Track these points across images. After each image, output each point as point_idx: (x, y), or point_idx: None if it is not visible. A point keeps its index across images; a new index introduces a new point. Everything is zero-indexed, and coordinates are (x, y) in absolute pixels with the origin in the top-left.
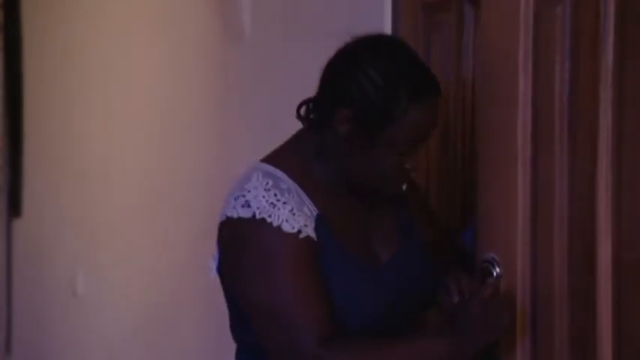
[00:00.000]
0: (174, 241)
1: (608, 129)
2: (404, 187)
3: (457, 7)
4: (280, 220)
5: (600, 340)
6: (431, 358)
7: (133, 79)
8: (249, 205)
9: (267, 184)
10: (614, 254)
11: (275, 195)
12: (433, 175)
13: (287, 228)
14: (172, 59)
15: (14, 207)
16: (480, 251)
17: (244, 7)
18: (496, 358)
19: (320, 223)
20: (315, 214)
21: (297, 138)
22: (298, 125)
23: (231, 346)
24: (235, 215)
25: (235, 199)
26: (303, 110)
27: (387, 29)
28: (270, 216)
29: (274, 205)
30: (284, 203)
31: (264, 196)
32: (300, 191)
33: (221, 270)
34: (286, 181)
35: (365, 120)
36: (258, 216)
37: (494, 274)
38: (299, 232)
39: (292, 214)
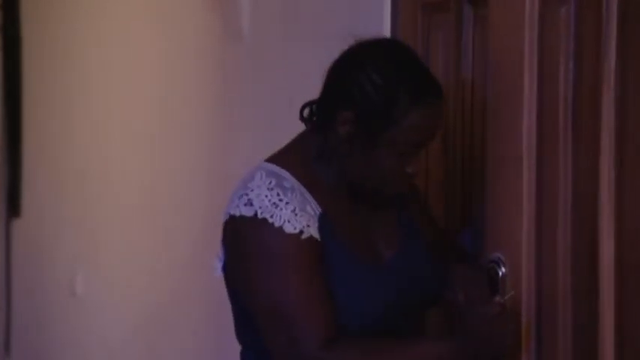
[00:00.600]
0: (175, 241)
1: (610, 129)
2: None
3: (456, 7)
4: (282, 220)
5: (603, 339)
6: None
7: (132, 79)
8: (251, 204)
9: (270, 183)
10: (617, 254)
11: (278, 195)
12: (432, 175)
13: (289, 229)
14: (172, 59)
15: (13, 207)
16: (486, 251)
17: (243, 7)
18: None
19: (323, 222)
20: (318, 212)
21: (300, 139)
22: (297, 125)
23: (231, 346)
24: (238, 213)
25: (239, 198)
26: (306, 112)
27: (387, 29)
28: (272, 216)
29: (277, 205)
30: (286, 203)
31: (266, 196)
32: (304, 190)
33: (225, 269)
34: (290, 180)
35: (366, 121)
36: (260, 215)
37: (500, 274)
38: (301, 232)
39: (294, 214)
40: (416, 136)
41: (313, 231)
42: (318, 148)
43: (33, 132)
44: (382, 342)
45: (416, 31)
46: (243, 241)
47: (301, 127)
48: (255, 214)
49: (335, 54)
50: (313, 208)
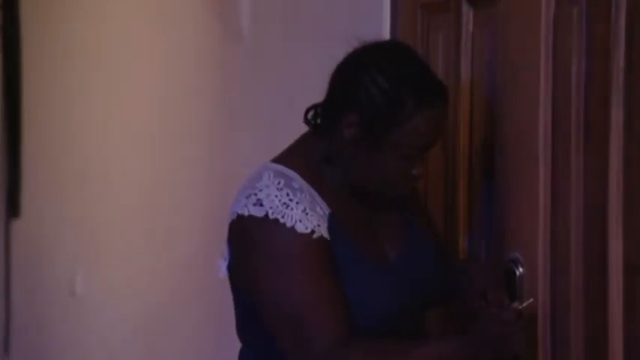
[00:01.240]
0: (175, 241)
1: (619, 129)
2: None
3: (456, 8)
4: (294, 220)
5: (612, 340)
6: None
7: (132, 79)
8: (261, 204)
9: (279, 183)
10: (625, 255)
11: (287, 195)
12: (432, 175)
13: (300, 228)
14: (172, 59)
15: (13, 207)
16: (503, 250)
17: (243, 8)
18: None
19: (332, 222)
20: (327, 213)
21: (303, 141)
22: (297, 125)
23: (231, 346)
24: (246, 213)
25: (247, 198)
26: (310, 114)
27: (386, 29)
28: (283, 216)
29: (287, 205)
30: (297, 203)
31: (276, 196)
32: (313, 191)
33: (231, 269)
34: (298, 180)
35: (371, 124)
36: (271, 216)
37: (517, 273)
38: (312, 232)
39: (305, 214)
40: (420, 139)
41: (323, 231)
42: (323, 150)
43: (33, 132)
44: (393, 342)
45: (415, 31)
46: (254, 241)
47: (301, 127)
48: (266, 215)
49: (335, 54)
50: (322, 209)
